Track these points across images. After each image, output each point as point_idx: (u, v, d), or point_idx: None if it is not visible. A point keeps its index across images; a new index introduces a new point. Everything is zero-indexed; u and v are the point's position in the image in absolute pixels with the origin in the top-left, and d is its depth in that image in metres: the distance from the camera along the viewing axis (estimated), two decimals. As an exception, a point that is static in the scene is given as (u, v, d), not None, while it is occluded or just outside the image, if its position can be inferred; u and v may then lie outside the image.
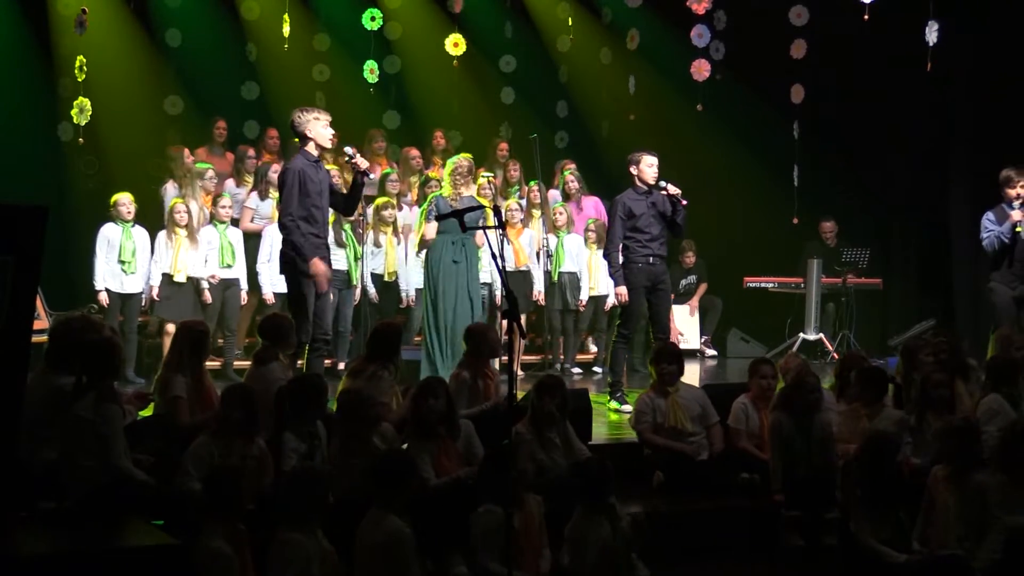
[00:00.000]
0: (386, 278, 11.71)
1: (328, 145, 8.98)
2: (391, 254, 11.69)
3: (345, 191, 9.37)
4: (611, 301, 12.33)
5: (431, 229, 10.33)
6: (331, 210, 8.99)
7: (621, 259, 10.00)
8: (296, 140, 11.91)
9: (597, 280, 12.35)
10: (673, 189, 9.93)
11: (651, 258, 10.01)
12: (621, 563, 6.46)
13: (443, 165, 12.95)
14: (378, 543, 6.00)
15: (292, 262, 8.62)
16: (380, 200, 11.74)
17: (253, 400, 6.91)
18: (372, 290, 11.60)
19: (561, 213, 12.29)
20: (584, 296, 12.34)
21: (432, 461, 7.13)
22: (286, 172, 8.70)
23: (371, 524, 6.07)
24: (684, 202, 9.98)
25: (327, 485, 6.15)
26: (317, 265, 8.55)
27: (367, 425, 7.12)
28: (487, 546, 6.37)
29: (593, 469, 6.78)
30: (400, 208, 12.08)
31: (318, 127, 8.74)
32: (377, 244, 11.59)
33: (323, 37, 13.88)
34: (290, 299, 8.88)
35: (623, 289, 9.96)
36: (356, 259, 11.28)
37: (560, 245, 12.16)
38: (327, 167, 9.32)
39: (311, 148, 8.77)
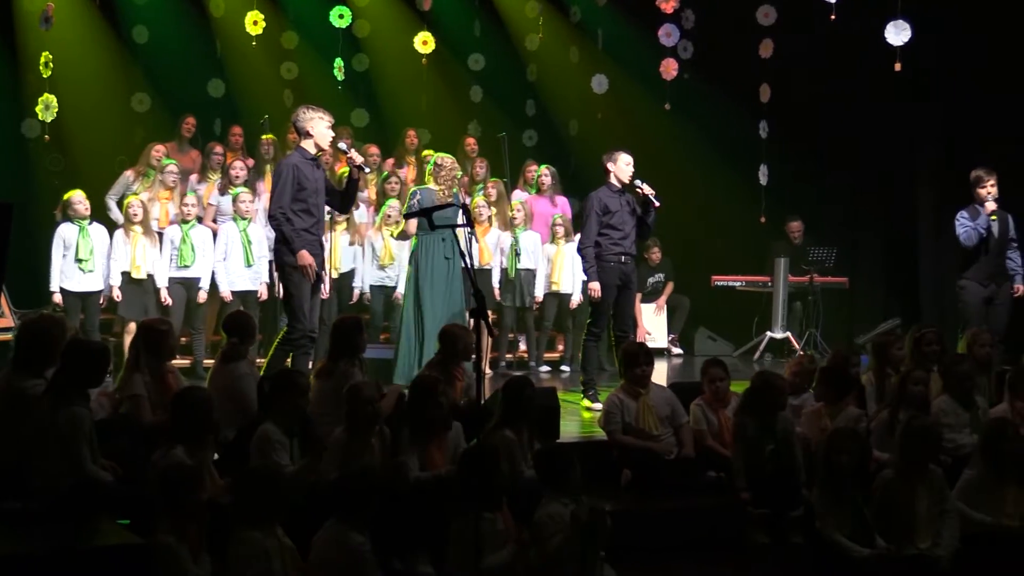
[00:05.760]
0: (332, 274, 11.63)
1: (326, 146, 9.08)
2: (337, 251, 11.63)
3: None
4: (576, 299, 12.38)
5: (411, 223, 10.37)
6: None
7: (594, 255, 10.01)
8: (269, 136, 12.00)
9: (560, 276, 12.38)
10: (648, 189, 9.96)
11: (623, 256, 10.04)
12: (587, 552, 6.44)
13: (416, 163, 13.00)
14: (336, 559, 5.94)
15: (282, 257, 8.74)
16: None
17: (201, 406, 6.78)
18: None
19: (519, 210, 12.27)
20: (540, 292, 12.35)
21: (422, 454, 7.10)
22: (281, 167, 8.85)
23: (329, 539, 5.99)
24: (657, 203, 10.01)
25: (286, 484, 6.11)
26: (304, 257, 8.67)
27: (371, 424, 7.10)
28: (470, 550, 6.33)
29: (555, 455, 6.76)
30: (356, 206, 12.00)
31: (321, 126, 8.89)
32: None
33: (291, 35, 13.84)
34: (284, 297, 9.00)
35: (596, 285, 9.96)
36: None
37: (516, 242, 12.15)
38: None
39: (309, 146, 8.91)
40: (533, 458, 7.09)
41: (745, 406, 7.99)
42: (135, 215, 11.06)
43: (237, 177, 11.70)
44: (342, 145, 9.24)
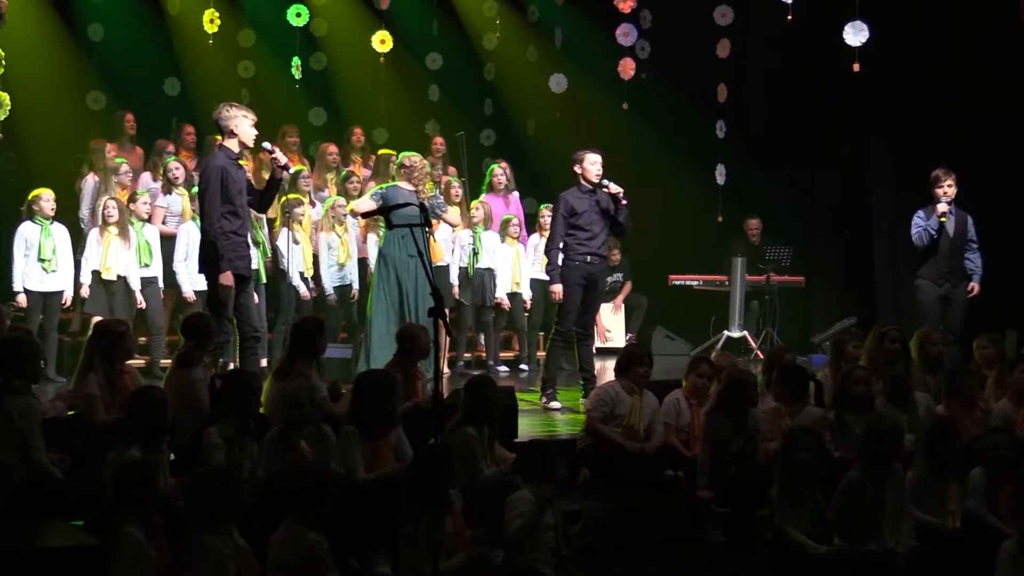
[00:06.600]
0: (306, 274, 11.58)
1: (251, 144, 8.92)
2: (308, 251, 11.58)
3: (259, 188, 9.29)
4: (528, 297, 12.38)
5: (363, 204, 10.36)
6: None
7: (560, 257, 9.99)
8: (218, 138, 11.86)
9: (520, 275, 12.37)
10: (614, 188, 9.96)
11: (589, 256, 10.01)
12: (558, 538, 6.47)
13: (363, 163, 12.94)
14: (294, 559, 5.90)
15: (211, 263, 8.59)
16: (291, 196, 11.47)
17: (156, 406, 6.74)
18: (303, 288, 11.44)
19: (478, 209, 12.23)
20: (502, 292, 12.34)
21: (368, 454, 7.04)
22: (208, 170, 8.62)
23: (286, 539, 5.94)
24: (624, 201, 10.02)
25: (239, 486, 6.06)
26: (226, 278, 8.51)
27: (299, 427, 7.04)
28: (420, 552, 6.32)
29: (539, 452, 6.83)
30: (313, 205, 11.90)
31: (245, 124, 8.70)
32: (295, 241, 11.42)
33: (248, 33, 13.76)
34: (209, 297, 8.88)
35: (558, 287, 9.95)
36: (263, 257, 11.10)
37: (478, 241, 12.12)
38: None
39: (233, 145, 8.72)
40: (516, 457, 7.09)
41: (719, 404, 7.99)
42: (110, 216, 10.96)
43: (176, 178, 11.61)
44: (267, 145, 9.04)
